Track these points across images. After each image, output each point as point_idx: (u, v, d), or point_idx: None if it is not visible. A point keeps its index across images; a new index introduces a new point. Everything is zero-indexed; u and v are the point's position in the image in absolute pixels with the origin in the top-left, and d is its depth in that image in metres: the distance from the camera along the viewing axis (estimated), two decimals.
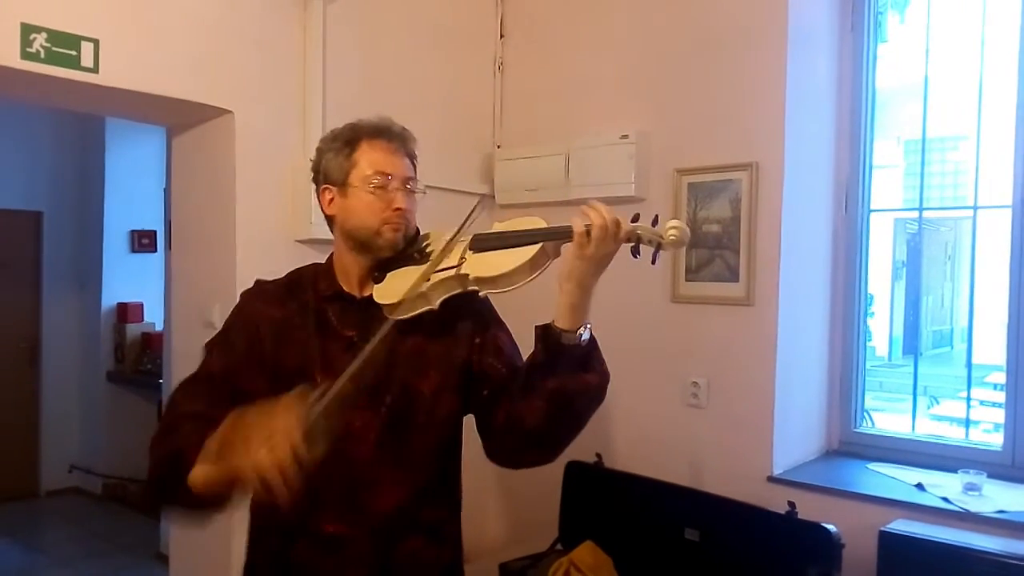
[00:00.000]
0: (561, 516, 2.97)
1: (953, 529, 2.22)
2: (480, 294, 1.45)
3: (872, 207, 2.89)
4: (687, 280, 2.88)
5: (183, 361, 1.53)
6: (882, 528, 2.22)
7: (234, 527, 2.56)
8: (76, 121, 5.76)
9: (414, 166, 1.56)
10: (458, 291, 1.45)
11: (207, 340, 1.59)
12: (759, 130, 2.72)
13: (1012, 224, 2.55)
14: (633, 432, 2.99)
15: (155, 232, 5.84)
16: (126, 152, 5.83)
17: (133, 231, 5.90)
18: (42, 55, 2.25)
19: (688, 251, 2.85)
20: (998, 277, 2.61)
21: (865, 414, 2.93)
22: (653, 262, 1.40)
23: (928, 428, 2.95)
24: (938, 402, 3.55)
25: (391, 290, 1.48)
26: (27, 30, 2.22)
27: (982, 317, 2.75)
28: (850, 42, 2.88)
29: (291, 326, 1.53)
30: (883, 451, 2.78)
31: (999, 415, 2.64)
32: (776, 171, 2.68)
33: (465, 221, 1.47)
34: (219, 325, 1.63)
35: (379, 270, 1.52)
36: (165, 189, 4.61)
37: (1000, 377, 2.71)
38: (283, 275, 1.64)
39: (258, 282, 1.63)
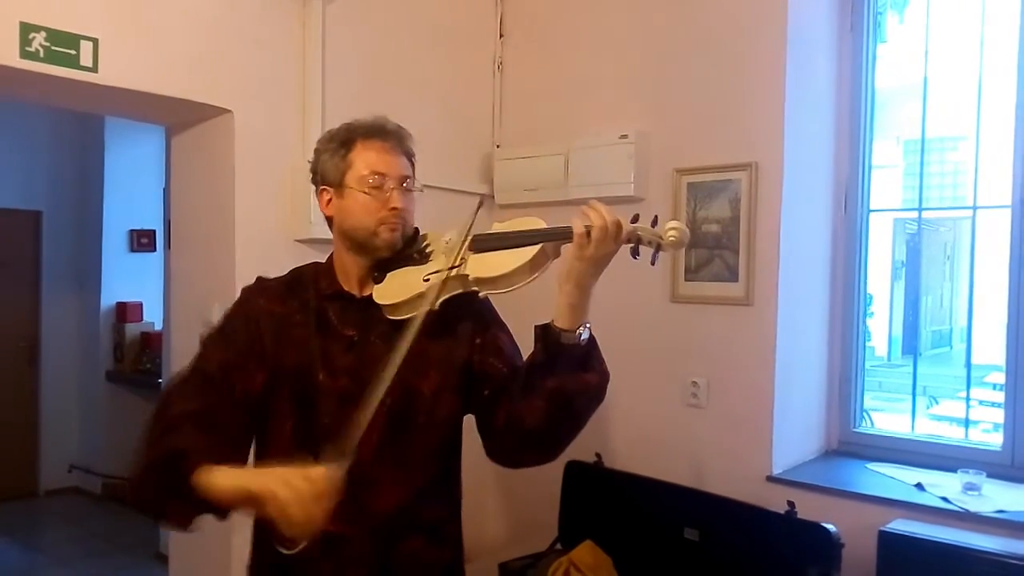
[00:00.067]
0: (561, 516, 2.97)
1: (953, 529, 2.22)
2: (480, 294, 1.45)
3: (871, 207, 2.90)
4: (687, 280, 2.88)
5: (183, 361, 1.53)
6: (881, 528, 2.22)
7: (234, 527, 2.56)
8: (75, 120, 5.76)
9: (412, 164, 1.56)
10: (458, 291, 1.45)
11: (204, 333, 1.58)
12: (758, 130, 2.72)
13: (1011, 224, 2.55)
14: (633, 432, 2.99)
15: (154, 231, 5.84)
16: (125, 151, 5.83)
17: (132, 230, 5.91)
18: (41, 54, 2.25)
19: (687, 251, 2.85)
20: (997, 277, 2.61)
21: (864, 414, 2.93)
22: (653, 263, 1.40)
23: (927, 428, 2.95)
24: (937, 402, 3.54)
25: (391, 290, 1.49)
26: (26, 29, 2.22)
27: (981, 317, 2.76)
28: (849, 42, 2.88)
29: (291, 324, 1.53)
30: (882, 451, 2.78)
31: (998, 415, 2.64)
32: (775, 171, 2.68)
33: (471, 224, 1.47)
34: None
35: (379, 270, 1.52)
36: (164, 188, 4.61)
37: (999, 377, 2.71)
38: (284, 273, 1.63)
39: (259, 278, 1.63)
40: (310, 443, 1.43)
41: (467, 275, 1.43)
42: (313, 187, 1.59)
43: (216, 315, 2.30)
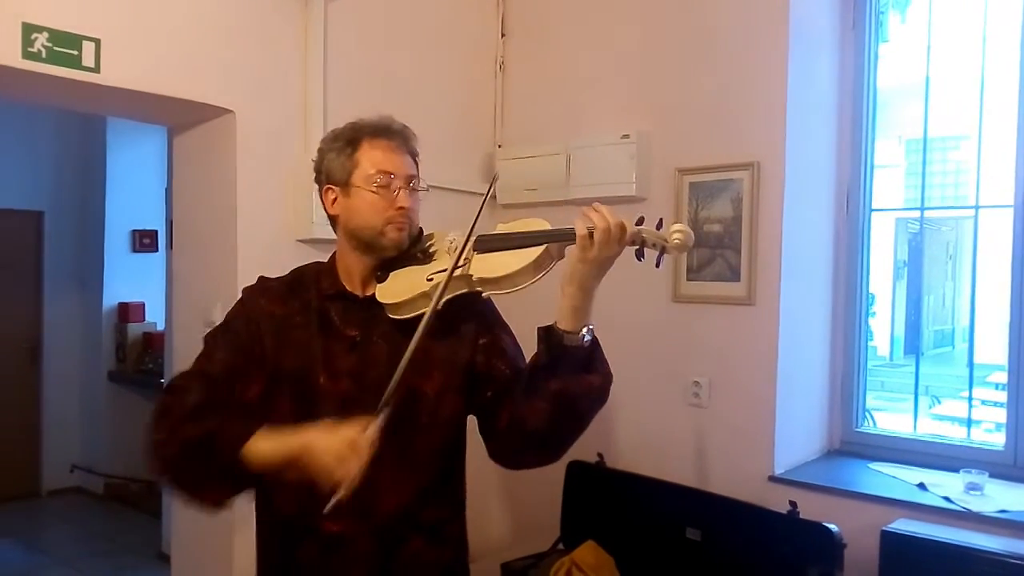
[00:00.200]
0: (563, 516, 2.97)
1: (955, 529, 2.22)
2: (484, 295, 1.45)
3: (873, 207, 2.89)
4: (688, 280, 2.88)
5: (185, 361, 1.53)
6: (884, 528, 2.22)
7: (236, 527, 2.57)
8: (77, 121, 5.76)
9: (416, 164, 1.56)
10: (462, 291, 1.45)
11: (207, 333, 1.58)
12: (760, 130, 2.71)
13: (1014, 223, 2.55)
14: (635, 432, 2.99)
15: (156, 232, 5.84)
16: (127, 152, 5.83)
17: (134, 231, 5.91)
18: (43, 55, 2.25)
19: (689, 251, 2.85)
20: (999, 276, 2.61)
21: (867, 414, 2.93)
22: (657, 265, 1.39)
23: (930, 428, 2.95)
24: (940, 402, 3.54)
25: (394, 290, 1.49)
26: (28, 30, 2.22)
27: (983, 317, 2.75)
28: (851, 41, 2.87)
29: (292, 325, 1.52)
30: (885, 451, 2.78)
31: (1001, 415, 2.64)
32: (777, 170, 2.68)
33: (474, 223, 1.46)
34: None
35: (382, 270, 1.52)
36: (166, 189, 4.62)
37: (1002, 377, 2.71)
38: (286, 273, 1.63)
39: (261, 278, 1.62)
40: None
41: (471, 275, 1.43)
42: (316, 187, 1.58)
43: (218, 315, 2.30)
